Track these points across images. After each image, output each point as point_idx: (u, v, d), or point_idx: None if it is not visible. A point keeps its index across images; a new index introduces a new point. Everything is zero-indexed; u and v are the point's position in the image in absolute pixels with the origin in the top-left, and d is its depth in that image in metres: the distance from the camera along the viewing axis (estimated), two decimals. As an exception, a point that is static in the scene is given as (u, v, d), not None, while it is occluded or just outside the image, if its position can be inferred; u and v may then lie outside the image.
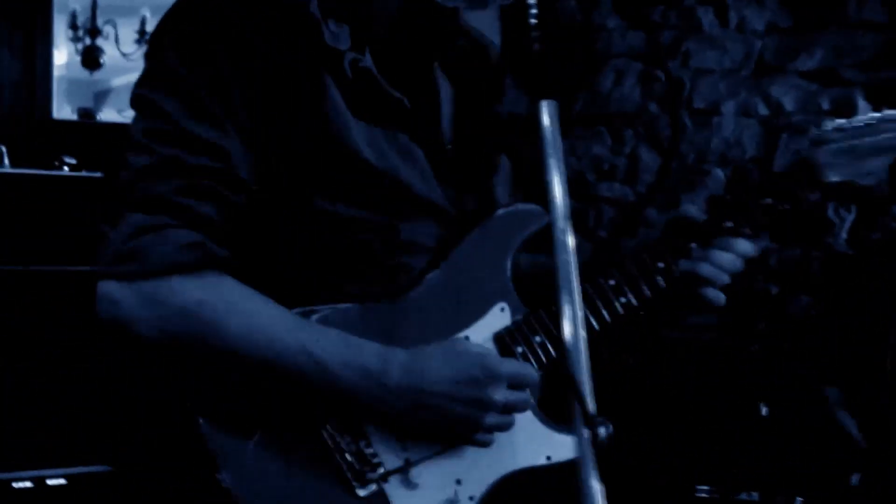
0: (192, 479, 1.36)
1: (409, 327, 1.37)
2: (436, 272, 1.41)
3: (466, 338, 1.39)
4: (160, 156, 1.30)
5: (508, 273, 1.44)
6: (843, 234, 3.47)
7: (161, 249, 1.28)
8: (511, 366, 1.36)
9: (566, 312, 1.12)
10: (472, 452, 1.38)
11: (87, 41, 5.64)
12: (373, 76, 1.37)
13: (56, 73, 4.95)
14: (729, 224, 1.46)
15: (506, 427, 1.37)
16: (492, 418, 1.34)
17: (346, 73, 1.35)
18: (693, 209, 1.49)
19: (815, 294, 3.46)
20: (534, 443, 1.40)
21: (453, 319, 1.40)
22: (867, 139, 1.44)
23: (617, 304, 1.43)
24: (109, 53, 5.78)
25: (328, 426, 1.34)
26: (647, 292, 1.44)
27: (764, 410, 3.03)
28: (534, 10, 1.16)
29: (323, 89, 1.33)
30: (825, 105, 3.55)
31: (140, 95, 1.35)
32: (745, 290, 1.42)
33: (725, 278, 1.46)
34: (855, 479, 2.87)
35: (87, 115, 5.18)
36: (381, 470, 1.35)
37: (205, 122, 1.30)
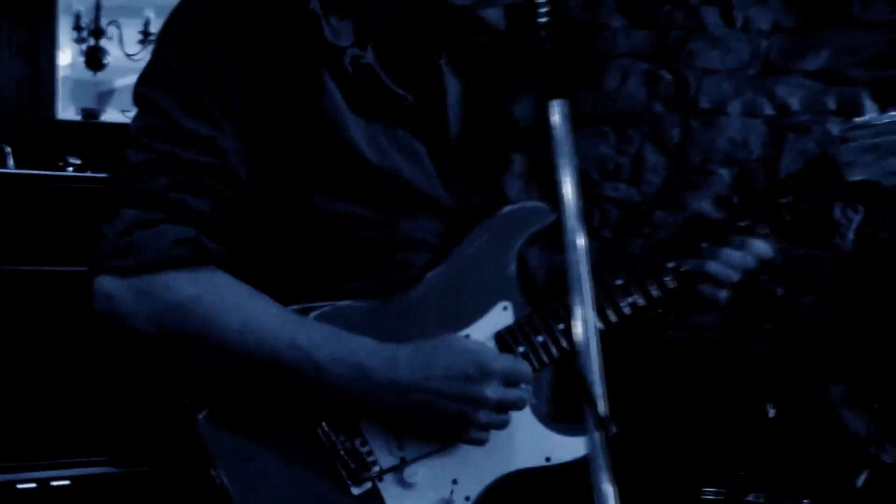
0: (188, 477, 1.36)
1: (409, 325, 1.36)
2: (437, 270, 1.40)
3: (467, 336, 1.38)
4: (156, 152, 1.31)
5: (512, 271, 1.42)
6: (851, 235, 3.46)
7: (155, 244, 1.28)
8: (505, 362, 1.34)
9: (577, 313, 1.11)
10: (468, 452, 1.36)
11: (91, 42, 5.64)
12: (374, 73, 1.37)
13: (60, 73, 4.95)
14: (744, 223, 1.45)
15: (500, 425, 1.35)
16: (485, 415, 1.32)
17: (346, 70, 1.35)
18: (708, 207, 1.47)
19: (822, 295, 3.45)
20: (533, 443, 1.39)
21: (454, 317, 1.39)
22: (894, 137, 1.41)
23: (623, 305, 1.42)
24: (113, 54, 5.78)
25: (323, 424, 1.33)
26: (656, 292, 1.43)
27: (771, 412, 3.02)
28: (543, 9, 1.16)
29: (321, 86, 1.33)
30: (831, 105, 3.55)
31: (139, 92, 1.37)
32: (752, 291, 1.41)
33: (735, 277, 1.44)
34: (861, 480, 2.86)
35: (90, 115, 5.18)
36: (376, 468, 1.34)
37: (201, 119, 1.31)
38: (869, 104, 3.47)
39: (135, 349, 1.35)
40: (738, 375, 3.23)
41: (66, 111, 5.10)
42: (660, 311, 1.50)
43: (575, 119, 1.13)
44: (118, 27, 5.80)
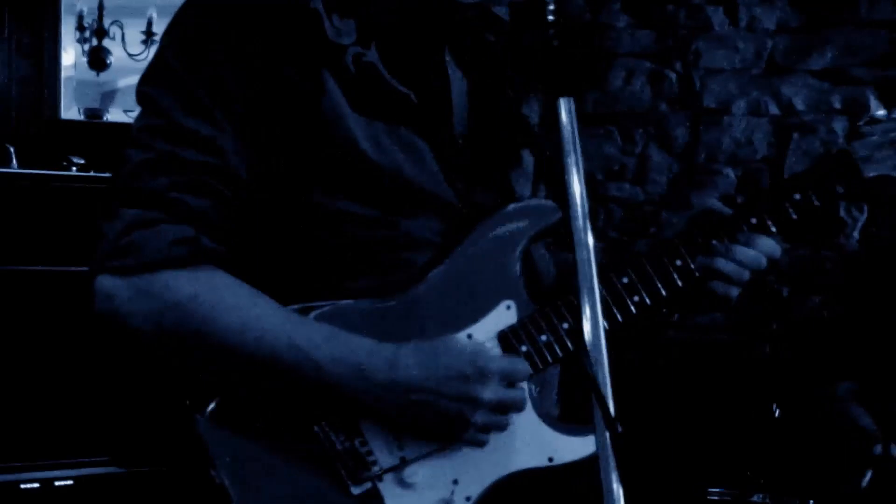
0: (189, 477, 1.36)
1: (410, 324, 1.35)
2: (440, 268, 1.38)
3: (469, 336, 1.37)
4: (156, 151, 1.32)
5: (516, 270, 1.41)
6: (856, 235, 3.45)
7: (155, 244, 1.28)
8: (502, 362, 1.34)
9: (586, 312, 1.10)
10: (469, 452, 1.36)
11: (94, 42, 5.64)
12: (377, 71, 1.37)
13: (63, 73, 4.94)
14: (754, 220, 1.43)
15: (499, 426, 1.35)
16: (482, 416, 1.32)
17: (348, 69, 1.35)
18: (717, 203, 1.45)
19: (828, 295, 3.45)
20: (535, 443, 1.38)
21: (456, 316, 1.38)
22: None
23: (630, 304, 1.41)
24: (116, 54, 5.77)
25: (323, 423, 1.32)
26: (663, 291, 1.42)
27: (777, 412, 3.02)
28: (551, 6, 1.15)
29: (321, 86, 1.33)
30: (836, 104, 3.55)
31: (141, 92, 1.37)
32: (758, 290, 1.40)
33: (746, 276, 1.43)
34: (866, 480, 2.86)
35: (94, 115, 5.17)
36: (376, 468, 1.33)
37: (201, 118, 1.31)
38: (874, 104, 3.47)
39: (135, 349, 1.35)
40: (743, 376, 3.23)
41: (70, 111, 5.10)
42: (665, 310, 1.49)
43: (579, 119, 1.13)
44: (121, 27, 5.80)
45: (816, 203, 1.43)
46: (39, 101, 4.77)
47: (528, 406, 1.38)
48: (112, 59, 5.75)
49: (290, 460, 1.32)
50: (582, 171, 1.12)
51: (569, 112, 1.12)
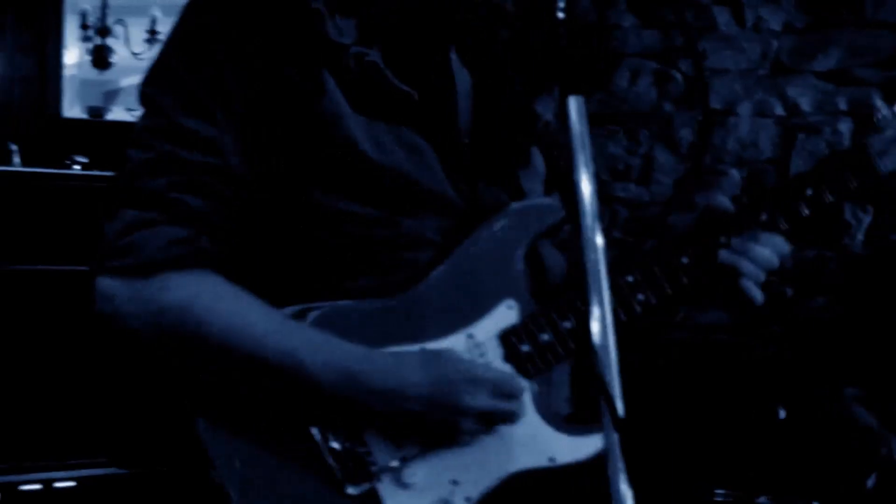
0: (190, 478, 1.37)
1: (411, 324, 1.35)
2: (441, 267, 1.38)
3: (470, 335, 1.36)
4: (157, 151, 1.32)
5: (519, 269, 1.40)
6: (860, 236, 3.45)
7: (152, 245, 1.29)
8: (494, 373, 1.34)
9: (595, 313, 1.09)
10: (469, 453, 1.35)
11: (98, 41, 5.65)
12: (378, 70, 1.36)
13: (66, 72, 4.96)
14: (764, 217, 1.41)
15: (489, 433, 1.34)
16: (469, 425, 1.32)
17: (349, 68, 1.34)
18: (725, 200, 1.43)
19: (832, 296, 3.44)
20: (536, 444, 1.37)
21: (458, 316, 1.37)
22: None
23: (634, 303, 1.39)
24: (119, 53, 5.79)
25: (320, 424, 1.32)
26: (669, 289, 1.40)
27: (781, 413, 3.01)
28: (562, 3, 1.14)
29: (320, 85, 1.33)
30: (842, 105, 3.54)
31: (143, 92, 1.37)
32: (767, 291, 1.39)
33: (763, 276, 1.41)
34: (871, 481, 2.85)
35: (97, 114, 5.19)
36: (374, 469, 1.33)
37: (202, 118, 1.32)
38: (880, 105, 3.45)
39: (135, 349, 1.36)
40: (746, 376, 3.22)
41: (73, 110, 5.11)
42: (670, 309, 1.47)
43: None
44: (124, 26, 5.81)
45: (829, 199, 1.41)
46: (42, 99, 4.78)
47: (530, 406, 1.37)
48: (115, 58, 5.76)
49: (288, 461, 1.32)
50: (592, 171, 1.11)
51: (578, 111, 1.12)
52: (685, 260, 1.40)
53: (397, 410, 1.31)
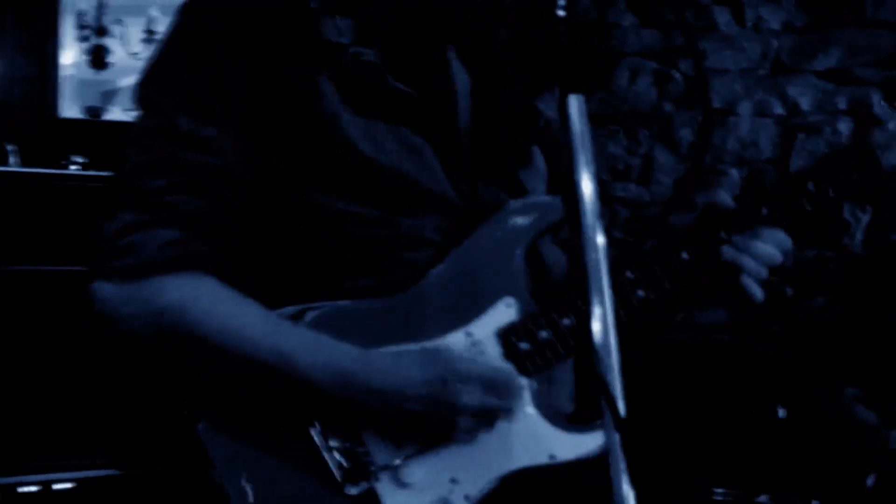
0: (190, 479, 1.38)
1: (410, 323, 1.35)
2: (440, 266, 1.38)
3: (469, 333, 1.36)
4: (154, 152, 1.32)
5: (518, 267, 1.39)
6: (860, 236, 3.44)
7: (148, 247, 1.30)
8: (485, 368, 1.33)
9: (596, 312, 1.09)
10: (468, 451, 1.34)
11: (95, 40, 5.63)
12: (376, 70, 1.36)
13: (64, 72, 4.94)
14: (765, 211, 1.40)
15: (485, 430, 1.34)
16: (465, 421, 1.32)
17: (346, 69, 1.34)
18: (726, 197, 1.42)
19: (831, 295, 3.44)
20: (536, 441, 1.36)
21: (457, 314, 1.37)
22: None
23: (634, 300, 1.38)
24: (117, 53, 5.77)
25: (317, 425, 1.33)
26: (669, 286, 1.39)
27: (781, 413, 3.01)
28: (562, 2, 1.13)
29: (315, 86, 1.33)
30: (842, 105, 3.54)
31: (140, 92, 1.38)
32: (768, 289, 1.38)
33: (764, 273, 1.40)
34: (871, 481, 2.85)
35: (94, 113, 5.17)
36: (372, 468, 1.33)
37: (200, 119, 1.32)
38: (878, 103, 3.46)
39: (135, 352, 1.36)
40: (746, 376, 3.22)
41: (70, 109, 5.10)
42: (670, 307, 1.46)
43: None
44: (122, 26, 5.79)
45: (832, 194, 1.40)
46: (40, 99, 4.77)
47: (529, 403, 1.37)
48: (113, 58, 5.74)
49: (288, 462, 1.32)
50: (593, 170, 1.11)
51: (579, 109, 1.11)
52: (685, 256, 1.40)
53: (395, 410, 1.31)
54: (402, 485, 1.33)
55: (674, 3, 3.75)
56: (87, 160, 3.97)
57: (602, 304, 1.09)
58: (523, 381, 1.36)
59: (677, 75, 3.78)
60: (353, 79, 1.34)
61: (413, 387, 1.30)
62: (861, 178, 1.40)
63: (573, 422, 1.39)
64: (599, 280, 1.08)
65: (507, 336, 1.37)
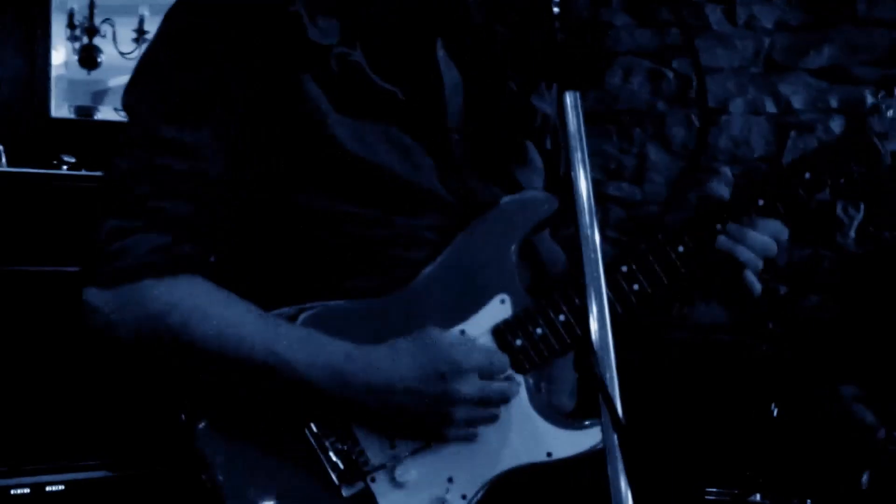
0: (182, 481, 1.36)
1: (405, 322, 1.34)
2: (433, 265, 1.37)
3: (462, 331, 1.36)
4: (139, 159, 1.32)
5: (512, 263, 1.39)
6: (852, 234, 3.45)
7: (133, 254, 1.30)
8: (479, 356, 1.32)
9: (593, 311, 1.08)
10: (464, 449, 1.34)
11: (85, 40, 5.61)
12: (362, 70, 1.35)
13: (54, 72, 4.93)
14: (761, 202, 1.39)
15: (486, 420, 1.33)
16: (463, 412, 1.30)
17: (331, 70, 1.34)
18: (720, 188, 1.41)
19: (826, 294, 3.45)
20: (532, 439, 1.36)
21: (450, 312, 1.36)
22: None
23: (630, 294, 1.37)
24: (107, 52, 5.75)
25: (312, 425, 1.32)
26: (665, 279, 1.38)
27: (775, 411, 3.01)
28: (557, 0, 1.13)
29: (301, 87, 1.32)
30: (834, 103, 3.55)
31: (125, 101, 1.38)
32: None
33: (760, 264, 1.39)
34: (865, 480, 2.85)
35: (85, 113, 5.16)
36: (367, 468, 1.32)
37: (182, 124, 1.32)
38: (870, 100, 3.46)
39: (129, 357, 1.36)
40: (743, 375, 3.22)
41: (60, 109, 5.08)
42: (666, 301, 1.45)
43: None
44: (112, 25, 5.77)
45: (828, 182, 1.39)
46: (30, 99, 4.75)
47: (525, 401, 1.36)
48: (103, 58, 5.73)
49: (282, 462, 1.32)
50: (588, 167, 1.10)
51: (574, 107, 1.10)
52: (681, 248, 1.39)
53: (387, 404, 1.30)
54: (397, 485, 1.32)
55: (670, 2, 3.75)
56: (77, 160, 3.96)
57: (598, 301, 1.08)
58: (519, 378, 1.35)
59: (670, 74, 3.78)
60: (339, 79, 1.34)
61: (404, 380, 1.29)
62: (858, 167, 1.39)
63: (568, 418, 1.38)
64: (596, 277, 1.08)
65: (501, 332, 1.36)
